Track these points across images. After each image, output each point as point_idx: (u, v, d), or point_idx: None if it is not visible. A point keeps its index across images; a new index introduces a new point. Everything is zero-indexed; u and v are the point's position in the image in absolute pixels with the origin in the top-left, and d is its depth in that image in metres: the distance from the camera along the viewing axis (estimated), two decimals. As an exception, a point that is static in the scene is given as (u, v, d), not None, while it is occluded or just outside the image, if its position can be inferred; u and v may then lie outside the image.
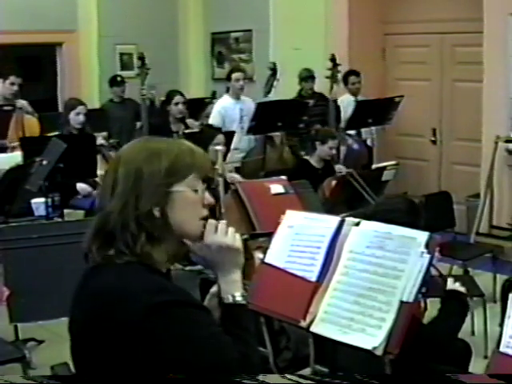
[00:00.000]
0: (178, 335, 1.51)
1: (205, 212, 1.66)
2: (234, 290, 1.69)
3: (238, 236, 1.71)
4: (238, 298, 1.68)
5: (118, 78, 7.25)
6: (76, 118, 5.65)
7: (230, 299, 1.68)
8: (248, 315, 1.72)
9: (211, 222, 1.68)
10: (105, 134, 5.97)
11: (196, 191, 1.63)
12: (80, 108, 5.70)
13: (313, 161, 5.64)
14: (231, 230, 1.70)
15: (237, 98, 6.55)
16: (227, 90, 6.62)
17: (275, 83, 6.76)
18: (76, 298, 1.63)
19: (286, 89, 6.98)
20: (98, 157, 5.55)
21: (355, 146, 6.43)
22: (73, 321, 1.63)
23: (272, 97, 6.73)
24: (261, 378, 1.53)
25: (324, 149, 5.58)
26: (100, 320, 1.52)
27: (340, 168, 5.77)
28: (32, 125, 6.05)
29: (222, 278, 1.70)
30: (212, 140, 4.93)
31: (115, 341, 1.50)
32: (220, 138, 5.02)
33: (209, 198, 1.67)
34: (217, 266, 1.69)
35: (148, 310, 1.48)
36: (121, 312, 1.50)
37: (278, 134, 6.35)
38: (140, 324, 1.48)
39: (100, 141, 5.73)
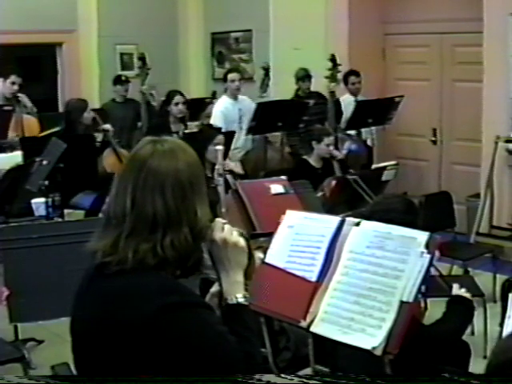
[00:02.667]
0: (186, 335, 1.52)
1: None
2: (236, 291, 1.70)
3: (241, 238, 1.73)
4: (240, 300, 1.70)
5: (123, 77, 7.26)
6: (88, 116, 5.87)
7: (234, 300, 1.70)
8: (250, 315, 1.73)
9: (219, 220, 1.71)
10: (108, 126, 5.98)
11: None
12: (89, 108, 5.89)
13: (312, 161, 5.64)
14: (236, 231, 1.73)
15: (234, 98, 6.56)
16: (225, 91, 6.64)
17: (270, 83, 6.80)
18: (83, 298, 1.62)
19: (286, 89, 6.98)
20: (107, 150, 5.66)
21: (353, 147, 6.43)
22: (76, 320, 1.63)
23: (271, 96, 6.74)
24: (271, 378, 1.52)
25: (321, 147, 5.59)
26: (112, 318, 1.52)
27: (336, 154, 5.78)
28: (31, 125, 6.06)
29: (225, 278, 1.71)
30: (212, 140, 4.93)
31: (124, 339, 1.51)
32: (220, 138, 5.02)
33: None
34: (221, 264, 1.71)
35: (159, 310, 1.50)
36: (133, 311, 1.51)
37: (277, 134, 6.36)
38: (151, 323, 1.49)
39: (108, 127, 5.81)
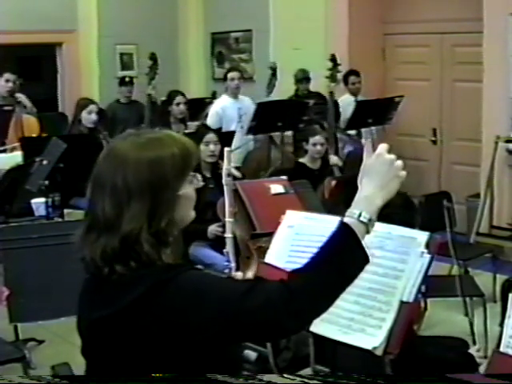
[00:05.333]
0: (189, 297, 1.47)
1: (195, 196, 1.64)
2: (365, 208, 1.58)
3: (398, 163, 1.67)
4: (364, 218, 1.55)
5: (127, 79, 7.24)
6: (88, 117, 5.75)
7: (354, 216, 1.56)
8: (353, 249, 1.53)
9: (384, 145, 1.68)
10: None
11: (192, 182, 1.61)
12: (92, 107, 5.80)
13: (308, 163, 5.60)
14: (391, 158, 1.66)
15: (234, 97, 6.57)
16: (225, 90, 6.66)
17: (276, 83, 6.79)
18: (90, 298, 1.61)
19: (286, 89, 6.98)
20: None
21: (351, 149, 6.42)
22: (82, 319, 1.62)
23: (272, 96, 6.74)
24: (272, 378, 1.47)
25: (309, 148, 5.56)
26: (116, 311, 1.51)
27: (334, 160, 5.76)
28: (31, 124, 6.04)
29: (362, 194, 1.61)
30: (201, 139, 4.79)
31: (129, 329, 1.49)
32: (210, 136, 4.86)
33: (199, 181, 1.66)
34: (369, 176, 1.63)
35: (152, 287, 1.47)
36: (128, 296, 1.49)
37: (278, 133, 6.36)
38: (146, 302, 1.47)
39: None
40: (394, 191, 1.64)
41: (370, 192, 1.61)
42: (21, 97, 6.11)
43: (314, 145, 5.53)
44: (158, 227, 1.51)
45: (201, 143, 4.74)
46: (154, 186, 1.51)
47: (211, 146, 4.73)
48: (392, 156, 1.67)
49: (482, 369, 2.50)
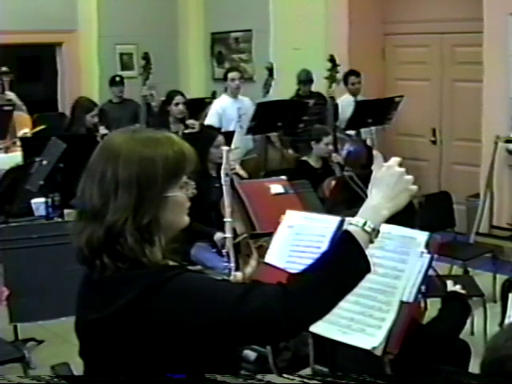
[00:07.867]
0: (182, 301, 1.46)
1: (188, 204, 1.61)
2: (371, 217, 1.58)
3: (408, 178, 1.67)
4: (368, 227, 1.56)
5: (117, 78, 7.24)
6: (92, 120, 5.88)
7: (358, 225, 1.57)
8: (356, 253, 1.53)
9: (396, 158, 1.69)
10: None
11: (184, 188, 1.59)
12: (96, 110, 5.87)
13: (311, 161, 5.64)
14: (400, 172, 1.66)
15: (234, 97, 6.58)
16: (225, 90, 6.66)
17: (272, 83, 6.80)
18: (81, 297, 1.61)
19: (286, 89, 6.98)
20: None
21: (351, 149, 6.42)
22: (79, 319, 1.62)
23: (271, 96, 6.74)
24: (272, 378, 1.46)
25: (320, 147, 5.59)
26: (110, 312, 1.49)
27: (336, 157, 5.78)
28: (23, 121, 6.03)
29: (369, 204, 1.62)
30: (212, 142, 4.90)
31: (121, 330, 1.48)
32: (220, 139, 4.97)
33: (192, 190, 1.63)
34: (379, 186, 1.64)
35: (146, 290, 1.46)
36: (122, 298, 1.47)
37: (275, 134, 6.35)
38: (139, 304, 1.46)
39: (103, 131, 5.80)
40: (403, 204, 1.66)
41: (378, 202, 1.63)
42: (10, 95, 6.13)
43: (327, 144, 5.60)
44: (140, 224, 1.51)
45: (212, 146, 4.81)
46: (142, 182, 1.51)
47: (222, 147, 4.79)
48: (402, 169, 1.68)
49: None
